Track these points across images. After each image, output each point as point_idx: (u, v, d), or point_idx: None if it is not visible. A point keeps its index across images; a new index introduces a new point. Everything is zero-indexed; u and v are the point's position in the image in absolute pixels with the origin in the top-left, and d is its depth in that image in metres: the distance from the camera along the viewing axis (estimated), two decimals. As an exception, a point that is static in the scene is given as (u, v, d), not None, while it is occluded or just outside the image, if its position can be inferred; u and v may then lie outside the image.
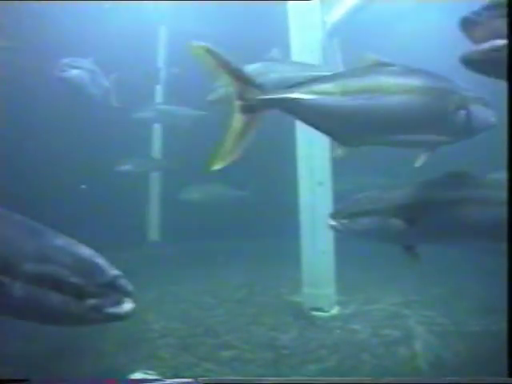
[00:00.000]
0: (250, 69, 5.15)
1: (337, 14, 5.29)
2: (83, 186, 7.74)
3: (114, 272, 2.37)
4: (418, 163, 3.28)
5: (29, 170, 7.33)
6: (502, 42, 1.79)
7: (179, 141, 8.16)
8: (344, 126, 3.03)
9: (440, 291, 5.62)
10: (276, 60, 5.14)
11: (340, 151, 3.24)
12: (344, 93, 2.94)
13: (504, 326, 2.48)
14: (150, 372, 3.71)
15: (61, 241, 2.47)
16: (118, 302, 2.33)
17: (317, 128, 3.09)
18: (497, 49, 1.81)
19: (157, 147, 9.26)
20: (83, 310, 2.28)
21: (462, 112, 3.11)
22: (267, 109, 3.00)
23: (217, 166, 2.95)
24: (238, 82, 2.98)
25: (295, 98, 2.96)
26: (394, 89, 2.98)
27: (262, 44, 5.23)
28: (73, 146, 7.88)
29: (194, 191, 8.31)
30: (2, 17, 6.63)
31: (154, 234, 9.33)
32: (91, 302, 2.28)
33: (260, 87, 2.99)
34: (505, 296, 2.37)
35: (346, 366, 3.94)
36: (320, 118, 3.01)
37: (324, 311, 5.09)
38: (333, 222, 3.41)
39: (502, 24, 1.78)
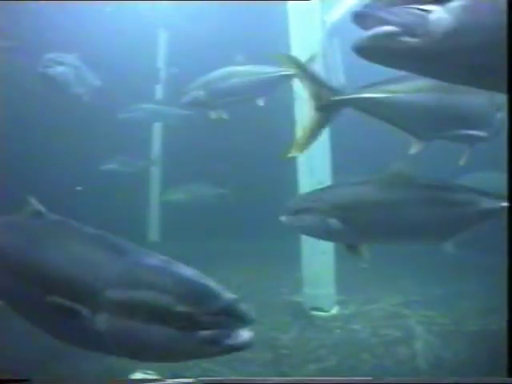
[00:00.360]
0: (216, 74, 5.45)
1: (337, 13, 5.30)
2: (79, 188, 7.68)
3: (230, 295, 1.94)
4: (463, 160, 3.48)
5: (27, 170, 7.33)
6: (390, 28, 1.77)
7: (177, 141, 8.19)
8: (416, 122, 3.31)
9: (440, 291, 5.62)
10: (239, 65, 5.46)
11: (417, 146, 3.38)
12: (415, 91, 3.17)
13: (504, 325, 2.48)
14: (149, 372, 3.70)
15: (154, 260, 2.06)
16: (235, 331, 1.89)
17: (391, 123, 3.33)
18: (385, 35, 1.78)
19: (156, 147, 9.26)
20: (196, 343, 1.82)
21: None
22: (341, 108, 3.30)
23: (292, 155, 3.39)
24: (314, 85, 3.27)
25: (366, 98, 3.22)
26: (459, 88, 3.16)
27: (262, 44, 5.24)
28: (71, 146, 7.89)
29: (173, 192, 8.36)
30: (1, 17, 6.63)
31: (154, 234, 9.32)
32: (205, 333, 1.81)
33: (333, 89, 3.29)
34: (505, 296, 2.37)
35: (346, 366, 3.94)
36: (391, 114, 3.27)
37: (324, 311, 5.09)
38: (283, 217, 3.51)
39: (390, 12, 1.77)
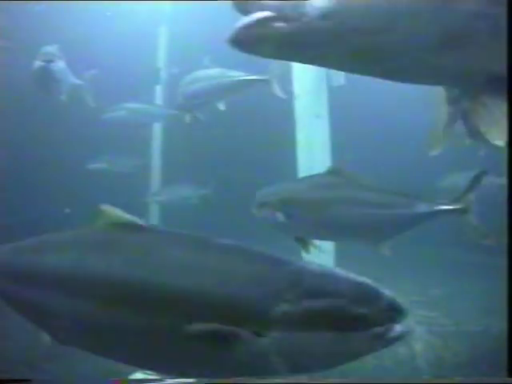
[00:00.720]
0: (190, 77, 5.62)
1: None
2: (67, 210, 7.41)
3: (387, 291, 1.92)
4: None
5: (28, 171, 7.33)
6: (263, 14, 1.55)
7: (175, 141, 8.19)
8: None
9: (440, 291, 5.62)
10: (207, 68, 5.56)
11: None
12: None
13: (504, 326, 2.48)
14: (150, 372, 3.69)
15: (313, 266, 1.97)
16: (394, 324, 1.87)
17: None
18: (257, 22, 1.56)
19: (155, 147, 9.26)
20: (368, 342, 1.86)
21: None
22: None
23: (433, 153, 3.29)
24: None
25: None
26: None
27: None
28: (71, 146, 7.90)
29: (157, 193, 8.40)
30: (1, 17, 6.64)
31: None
32: (375, 330, 1.82)
33: None
34: (505, 296, 2.37)
35: (346, 367, 3.92)
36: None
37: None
38: (254, 210, 3.71)
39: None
